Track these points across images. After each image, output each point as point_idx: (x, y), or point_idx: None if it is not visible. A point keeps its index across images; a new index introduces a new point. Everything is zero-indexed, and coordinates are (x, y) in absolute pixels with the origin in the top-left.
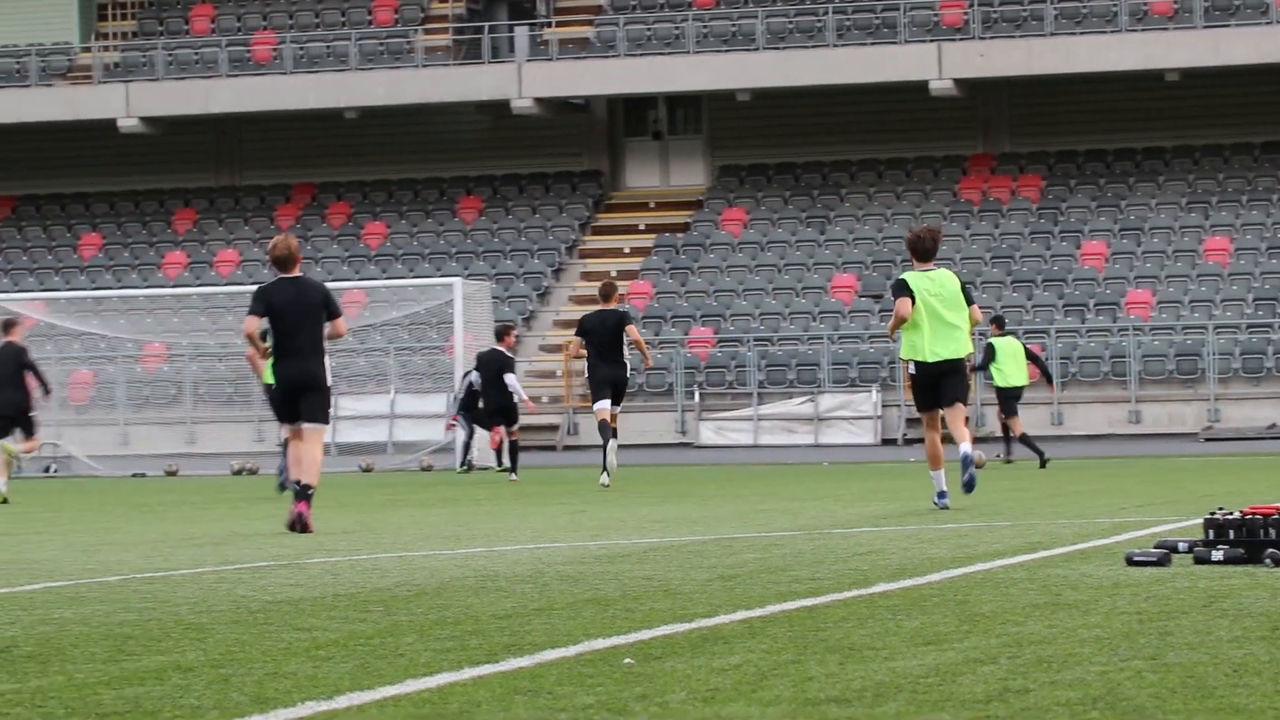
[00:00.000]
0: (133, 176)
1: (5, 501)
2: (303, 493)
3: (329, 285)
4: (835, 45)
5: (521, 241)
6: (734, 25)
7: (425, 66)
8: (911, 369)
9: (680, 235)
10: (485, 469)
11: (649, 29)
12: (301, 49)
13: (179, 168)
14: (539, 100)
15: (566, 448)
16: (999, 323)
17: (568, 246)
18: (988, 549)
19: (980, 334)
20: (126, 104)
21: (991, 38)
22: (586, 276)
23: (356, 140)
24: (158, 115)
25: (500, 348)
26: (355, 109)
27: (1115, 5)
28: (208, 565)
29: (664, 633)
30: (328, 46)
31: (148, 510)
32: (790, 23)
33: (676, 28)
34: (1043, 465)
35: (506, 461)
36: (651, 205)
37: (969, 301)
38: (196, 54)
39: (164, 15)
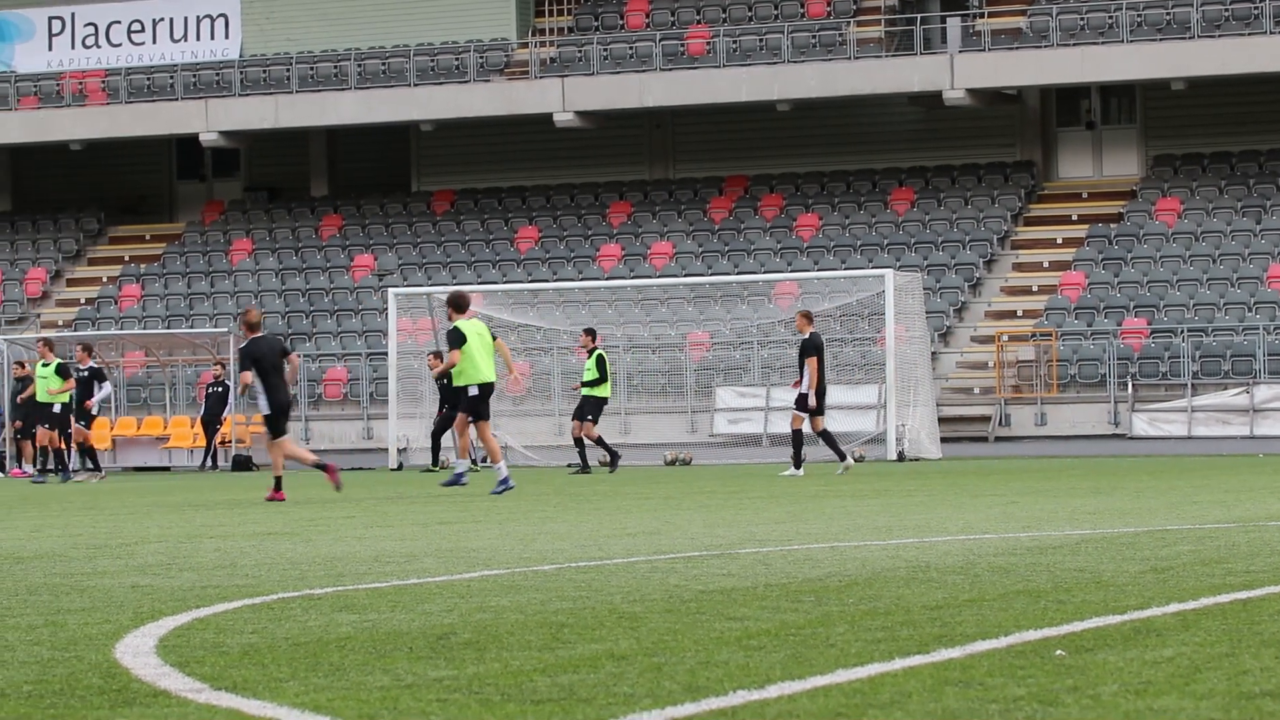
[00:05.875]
0: (568, 170)
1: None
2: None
3: (755, 277)
4: (1272, 32)
5: (953, 233)
6: (1168, 13)
7: (857, 58)
8: (475, 390)
9: (1114, 225)
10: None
11: (1082, 18)
12: (734, 42)
13: (614, 161)
14: (971, 91)
15: (999, 439)
16: (591, 334)
17: (1000, 237)
18: None
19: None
20: (562, 98)
21: None
22: (1019, 268)
23: (789, 132)
24: (593, 109)
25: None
26: (788, 101)
27: None
28: (641, 555)
29: (1096, 625)
30: (760, 39)
31: (582, 500)
32: (1226, 10)
33: (1110, 16)
34: (612, 468)
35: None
36: (1084, 195)
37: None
38: (631, 48)
39: (599, 10)
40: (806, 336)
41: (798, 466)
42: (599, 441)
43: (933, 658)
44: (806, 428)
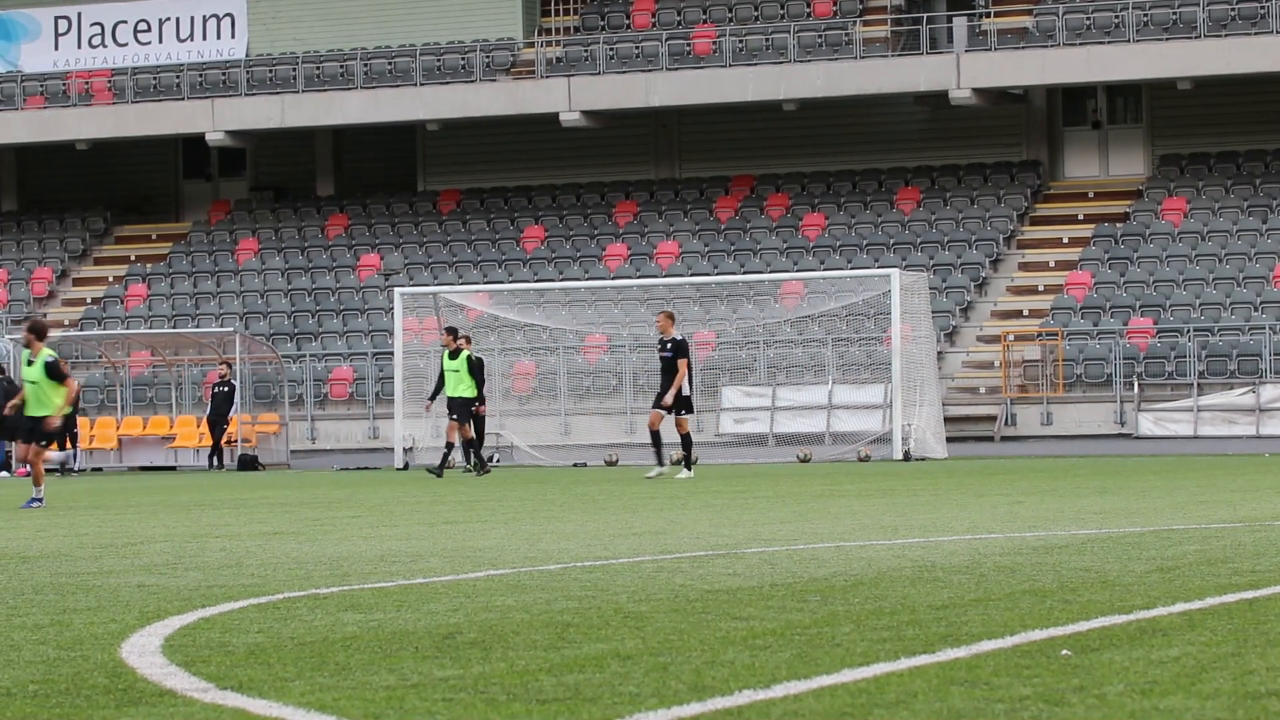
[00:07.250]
0: (574, 169)
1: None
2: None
3: (761, 276)
4: (1278, 31)
5: (959, 232)
6: (1174, 13)
7: (864, 58)
8: (60, 421)
9: (1119, 225)
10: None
11: (1088, 18)
12: (740, 41)
13: (619, 160)
14: (977, 90)
15: (1004, 438)
16: (453, 333)
17: (1006, 237)
18: None
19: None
20: (568, 98)
21: None
22: (1025, 267)
23: (795, 132)
24: (599, 109)
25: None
26: (794, 101)
27: None
28: (646, 554)
29: (1101, 624)
30: (766, 39)
31: (589, 500)
32: (1232, 9)
33: (1116, 16)
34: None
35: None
36: (1090, 195)
37: None
38: (637, 48)
39: (605, 10)
40: (678, 338)
41: (688, 466)
42: (462, 444)
43: (938, 657)
44: (664, 427)
